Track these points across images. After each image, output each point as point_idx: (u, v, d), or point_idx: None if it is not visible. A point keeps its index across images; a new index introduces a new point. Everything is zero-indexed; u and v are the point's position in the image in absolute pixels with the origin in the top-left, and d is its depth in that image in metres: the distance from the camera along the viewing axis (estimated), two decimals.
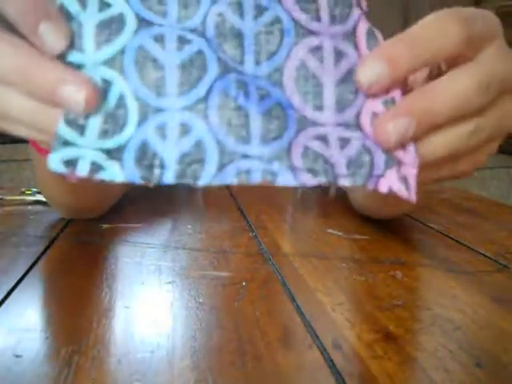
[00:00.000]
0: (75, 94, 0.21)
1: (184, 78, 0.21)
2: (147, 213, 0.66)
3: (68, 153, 0.21)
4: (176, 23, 0.22)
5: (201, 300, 0.39)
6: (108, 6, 0.22)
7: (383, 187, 0.22)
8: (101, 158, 0.21)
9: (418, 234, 0.55)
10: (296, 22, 0.23)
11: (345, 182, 0.21)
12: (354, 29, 0.23)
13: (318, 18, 0.23)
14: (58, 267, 0.46)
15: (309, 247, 0.52)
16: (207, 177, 0.21)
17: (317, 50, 0.23)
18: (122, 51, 0.21)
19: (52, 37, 0.21)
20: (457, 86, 0.23)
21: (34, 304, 0.39)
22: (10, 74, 0.21)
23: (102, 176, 0.21)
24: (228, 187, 0.80)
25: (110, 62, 0.21)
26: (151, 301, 0.39)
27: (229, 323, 0.35)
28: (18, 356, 0.30)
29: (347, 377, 0.29)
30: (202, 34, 0.22)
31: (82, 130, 0.21)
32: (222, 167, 0.21)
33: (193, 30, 0.22)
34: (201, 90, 0.21)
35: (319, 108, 0.22)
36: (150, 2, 0.22)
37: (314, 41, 0.23)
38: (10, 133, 0.24)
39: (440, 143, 0.24)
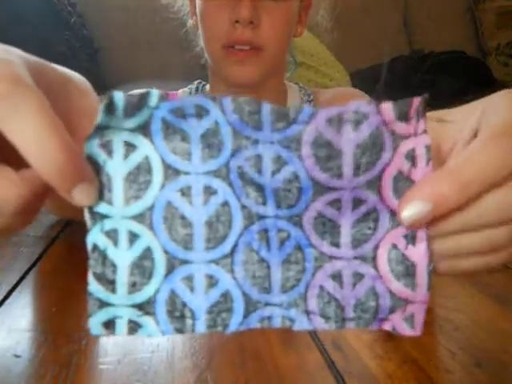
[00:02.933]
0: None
1: (211, 234, 0.22)
2: None
3: (105, 314, 0.22)
4: (200, 163, 0.22)
5: None
6: (133, 147, 0.22)
7: (386, 327, 0.23)
8: (136, 315, 0.22)
9: None
10: (315, 181, 0.22)
11: (350, 326, 0.23)
12: (381, 173, 0.23)
13: (340, 175, 0.22)
14: (58, 267, 0.46)
15: None
16: (235, 324, 0.23)
17: (335, 202, 0.23)
18: (151, 207, 0.22)
19: (84, 196, 0.21)
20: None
21: (34, 304, 0.39)
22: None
23: (141, 334, 0.22)
24: None
25: (138, 218, 0.22)
26: None
27: None
28: (17, 356, 0.30)
29: (347, 377, 0.29)
30: (227, 176, 0.22)
31: (111, 285, 0.22)
32: (247, 315, 0.23)
33: (217, 172, 0.22)
34: (226, 247, 0.23)
35: (336, 245, 0.23)
36: (173, 140, 0.22)
37: (332, 195, 0.23)
38: None
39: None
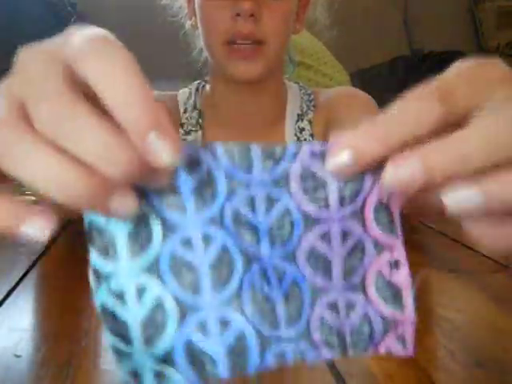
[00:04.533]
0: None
1: (216, 276, 0.23)
2: None
3: (128, 365, 0.22)
4: (195, 215, 0.23)
5: None
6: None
7: (382, 350, 0.25)
8: (159, 366, 0.22)
9: (418, 234, 0.55)
10: (304, 214, 0.24)
11: (351, 353, 0.24)
12: (363, 205, 0.24)
13: (327, 206, 0.24)
14: (57, 267, 0.46)
15: None
16: (253, 366, 0.23)
17: (325, 235, 0.24)
18: (156, 259, 0.22)
19: (162, 148, 0.20)
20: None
21: (34, 304, 0.39)
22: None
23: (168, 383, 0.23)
24: None
25: (145, 270, 0.22)
26: None
27: None
28: (17, 356, 0.30)
29: (347, 377, 0.29)
30: (221, 224, 0.23)
31: (127, 339, 0.22)
32: (262, 353, 0.23)
33: (212, 220, 0.23)
34: (232, 288, 0.23)
35: (329, 278, 0.24)
36: (166, 196, 0.22)
37: (322, 228, 0.24)
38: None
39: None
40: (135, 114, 0.20)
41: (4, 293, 0.39)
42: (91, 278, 0.22)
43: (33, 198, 0.25)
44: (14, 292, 0.40)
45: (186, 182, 0.22)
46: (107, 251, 0.22)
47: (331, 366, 0.30)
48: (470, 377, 0.29)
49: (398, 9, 2.28)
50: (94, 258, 0.22)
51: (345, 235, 0.24)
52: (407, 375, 0.29)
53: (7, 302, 0.38)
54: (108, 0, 1.99)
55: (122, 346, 0.22)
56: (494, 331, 0.35)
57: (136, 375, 0.22)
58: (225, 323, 0.23)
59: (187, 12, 0.85)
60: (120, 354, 0.22)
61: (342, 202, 0.24)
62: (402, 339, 0.25)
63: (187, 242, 0.23)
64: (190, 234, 0.23)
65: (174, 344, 0.22)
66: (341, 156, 0.22)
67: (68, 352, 0.31)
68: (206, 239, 0.23)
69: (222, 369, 0.23)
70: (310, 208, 0.24)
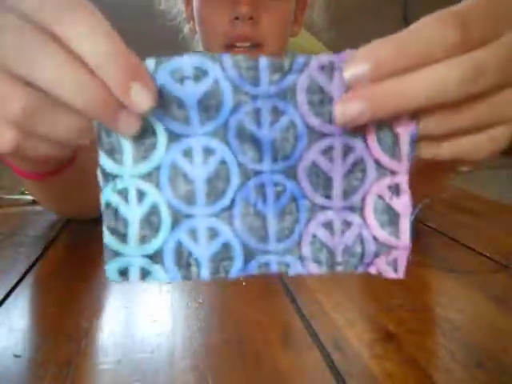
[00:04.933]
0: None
1: (210, 190, 0.24)
2: None
3: (119, 263, 0.24)
4: (199, 126, 0.24)
5: (201, 300, 0.39)
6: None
7: (372, 270, 0.26)
8: (146, 263, 0.24)
9: (418, 234, 0.55)
10: (309, 128, 0.24)
11: (340, 269, 0.26)
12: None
13: (331, 121, 0.24)
14: (57, 267, 0.46)
15: None
16: (235, 271, 0.25)
17: (327, 150, 0.25)
18: (158, 168, 0.24)
19: (142, 98, 0.22)
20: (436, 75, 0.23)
21: (34, 304, 0.39)
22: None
23: (150, 280, 0.24)
24: None
25: (146, 177, 0.24)
26: (151, 301, 0.39)
27: (229, 323, 0.35)
28: (17, 356, 0.30)
29: (347, 377, 0.29)
30: (224, 137, 0.24)
31: (123, 238, 0.24)
32: (246, 262, 0.25)
33: (215, 133, 0.24)
34: (225, 201, 0.25)
35: (328, 197, 0.25)
36: (171, 108, 0.23)
37: (325, 142, 0.25)
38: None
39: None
40: (115, 66, 0.21)
41: (4, 293, 0.39)
42: (99, 176, 0.24)
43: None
44: (14, 292, 0.40)
45: (190, 93, 0.23)
46: (114, 154, 0.24)
47: (331, 365, 0.30)
48: (469, 377, 0.29)
49: (398, 7, 2.28)
50: (102, 158, 0.24)
51: (346, 151, 0.25)
52: (407, 375, 0.29)
53: (7, 301, 0.38)
54: (108, 1, 1.99)
55: (117, 245, 0.24)
56: (494, 331, 0.35)
57: (123, 273, 0.24)
58: (213, 233, 0.25)
59: (185, 16, 0.85)
60: (113, 253, 0.24)
61: None
62: (393, 264, 0.25)
63: (188, 154, 0.24)
64: (192, 145, 0.24)
65: (164, 244, 0.24)
66: (360, 66, 0.23)
67: (68, 352, 0.31)
68: (207, 152, 0.24)
69: (205, 272, 0.25)
70: (315, 122, 0.24)
